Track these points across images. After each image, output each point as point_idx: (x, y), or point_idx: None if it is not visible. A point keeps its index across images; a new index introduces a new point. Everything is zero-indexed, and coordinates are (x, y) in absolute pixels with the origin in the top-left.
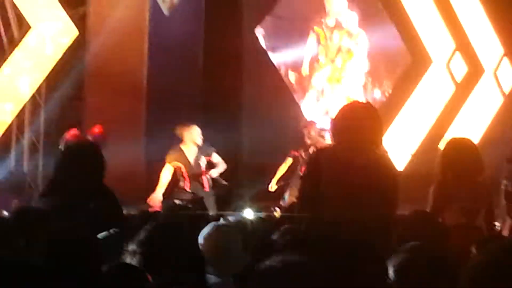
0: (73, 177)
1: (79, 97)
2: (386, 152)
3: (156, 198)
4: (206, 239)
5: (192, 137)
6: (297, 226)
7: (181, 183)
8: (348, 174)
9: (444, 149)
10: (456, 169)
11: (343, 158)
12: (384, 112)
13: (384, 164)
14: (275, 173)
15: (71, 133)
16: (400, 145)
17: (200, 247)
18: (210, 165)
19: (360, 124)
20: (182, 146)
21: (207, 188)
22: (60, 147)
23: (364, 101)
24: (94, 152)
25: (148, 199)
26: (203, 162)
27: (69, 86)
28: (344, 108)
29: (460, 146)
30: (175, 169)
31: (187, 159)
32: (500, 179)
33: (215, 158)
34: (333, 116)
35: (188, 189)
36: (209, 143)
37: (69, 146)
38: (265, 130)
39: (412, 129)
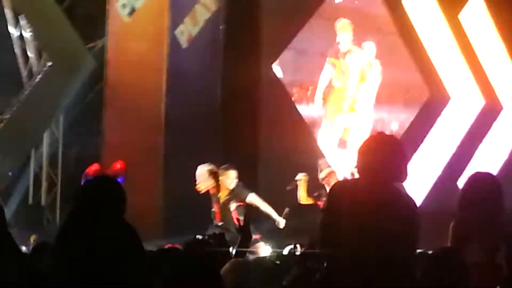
0: (95, 213)
1: (97, 131)
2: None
3: None
4: (225, 275)
5: (225, 183)
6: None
7: (212, 215)
8: (370, 211)
9: (465, 184)
10: (477, 205)
11: (366, 193)
12: None
13: (406, 202)
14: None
15: (93, 169)
16: (417, 180)
17: None
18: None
19: (385, 158)
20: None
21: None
22: (82, 182)
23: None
24: (116, 188)
25: None
26: (232, 207)
27: (87, 120)
28: (370, 139)
29: (481, 182)
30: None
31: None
32: None
33: (252, 199)
34: (357, 149)
35: (218, 221)
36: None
37: (90, 181)
38: (281, 166)
39: (429, 165)
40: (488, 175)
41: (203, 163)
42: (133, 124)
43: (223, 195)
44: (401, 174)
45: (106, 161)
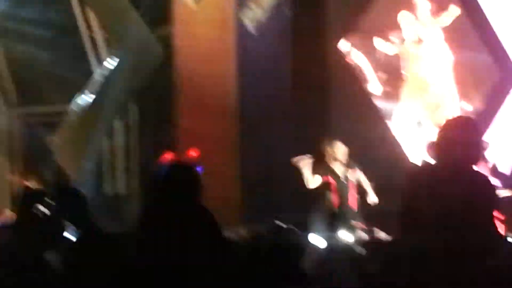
0: (176, 199)
1: (170, 118)
2: None
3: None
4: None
5: (336, 155)
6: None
7: (327, 201)
8: (450, 193)
9: None
10: None
11: (446, 176)
12: None
13: (485, 181)
14: None
15: (167, 157)
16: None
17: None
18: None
19: (465, 140)
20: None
21: (355, 207)
22: (155, 170)
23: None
24: (193, 175)
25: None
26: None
27: (159, 108)
28: (449, 122)
29: None
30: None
31: (338, 175)
32: None
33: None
34: (437, 131)
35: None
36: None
37: (170, 168)
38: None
39: (501, 146)
40: None
41: (276, 147)
42: (206, 110)
43: (338, 169)
44: (478, 157)
45: (181, 148)
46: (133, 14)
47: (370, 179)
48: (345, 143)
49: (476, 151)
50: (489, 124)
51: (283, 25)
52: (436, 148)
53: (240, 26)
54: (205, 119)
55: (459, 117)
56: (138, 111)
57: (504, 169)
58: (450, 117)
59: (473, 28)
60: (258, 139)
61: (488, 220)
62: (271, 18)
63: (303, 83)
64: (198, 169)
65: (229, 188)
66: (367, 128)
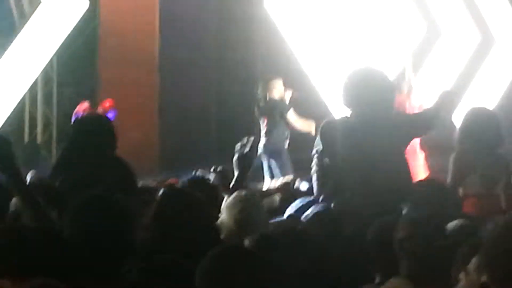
0: (86, 150)
1: (92, 70)
2: None
3: None
4: (227, 208)
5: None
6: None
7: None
8: (366, 144)
9: (464, 118)
10: (475, 138)
11: (360, 125)
12: None
13: (399, 120)
14: None
15: (83, 107)
16: None
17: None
18: None
19: (373, 88)
20: None
21: None
22: (72, 121)
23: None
24: (105, 125)
25: None
26: None
27: (82, 60)
28: (354, 73)
29: (480, 116)
30: None
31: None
32: None
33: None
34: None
35: None
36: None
37: (80, 120)
38: None
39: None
40: (485, 109)
41: (198, 101)
42: (128, 62)
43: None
44: (390, 98)
45: (102, 99)
46: None
47: None
48: None
49: (387, 94)
50: None
51: None
52: (344, 97)
53: None
54: (128, 71)
55: (363, 67)
56: (60, 62)
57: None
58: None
59: None
60: (180, 91)
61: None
62: None
63: (227, 36)
64: (110, 118)
65: (149, 137)
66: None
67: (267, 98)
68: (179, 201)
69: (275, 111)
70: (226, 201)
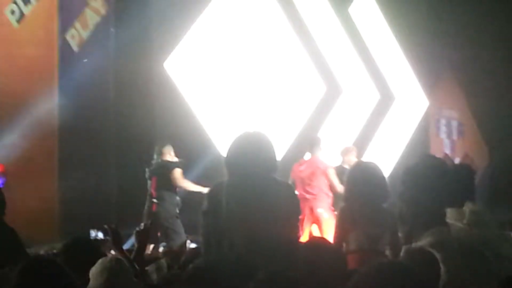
0: None
1: None
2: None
3: None
4: (94, 275)
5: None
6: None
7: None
8: (247, 204)
9: (349, 174)
10: (359, 194)
11: (239, 189)
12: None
13: (283, 190)
14: None
15: None
16: None
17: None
18: None
19: (253, 153)
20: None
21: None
22: None
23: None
24: None
25: None
26: None
27: None
28: (237, 139)
29: (365, 171)
30: None
31: None
32: None
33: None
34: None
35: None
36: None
37: None
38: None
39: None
40: (371, 164)
41: (98, 165)
42: (27, 129)
43: None
44: (272, 165)
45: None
46: None
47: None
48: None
49: (267, 161)
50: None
51: (107, 45)
52: (226, 162)
53: (64, 45)
54: (27, 138)
55: (247, 132)
56: None
57: None
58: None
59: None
60: (79, 157)
61: (288, 222)
62: (95, 37)
63: (127, 102)
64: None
65: (47, 204)
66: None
67: (159, 161)
68: (40, 271)
69: (164, 171)
70: (94, 267)
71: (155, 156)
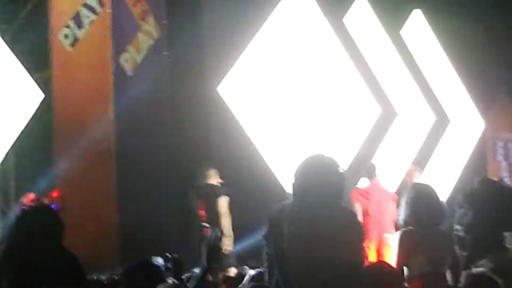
0: (30, 242)
1: (49, 162)
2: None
3: None
4: None
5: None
6: None
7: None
8: (312, 230)
9: (407, 196)
10: (419, 216)
11: (305, 215)
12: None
13: (347, 217)
14: None
15: (29, 198)
16: None
17: None
18: None
19: (321, 179)
20: None
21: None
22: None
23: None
24: (51, 216)
25: None
26: None
27: (39, 152)
28: (305, 163)
29: (422, 193)
30: None
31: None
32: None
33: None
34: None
35: None
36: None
37: (25, 210)
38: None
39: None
40: (427, 186)
41: (156, 191)
42: (84, 153)
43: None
44: (339, 193)
45: (60, 191)
46: (11, 58)
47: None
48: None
49: (335, 189)
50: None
51: (161, 68)
52: (293, 186)
53: (118, 68)
54: (84, 162)
55: (318, 156)
56: (18, 156)
57: None
58: (309, 156)
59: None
60: (137, 182)
61: (352, 254)
62: (149, 61)
63: (182, 126)
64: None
65: (107, 230)
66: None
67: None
68: None
69: (212, 195)
70: None
71: (201, 179)
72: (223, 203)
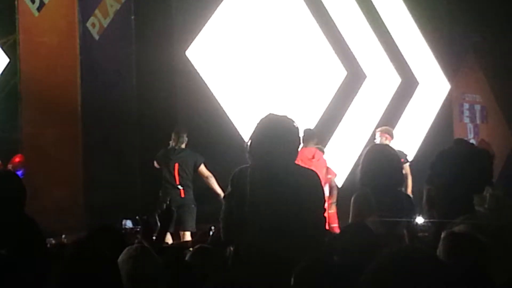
0: None
1: (15, 125)
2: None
3: None
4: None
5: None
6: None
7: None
8: (270, 189)
9: (363, 157)
10: (375, 178)
11: (264, 174)
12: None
13: (304, 173)
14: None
15: (16, 160)
16: (340, 158)
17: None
18: None
19: (275, 138)
20: None
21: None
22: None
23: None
24: (13, 181)
25: None
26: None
27: (4, 115)
28: (262, 122)
29: (378, 154)
30: None
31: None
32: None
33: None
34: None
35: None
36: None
37: None
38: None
39: (349, 143)
40: (385, 147)
41: (121, 152)
42: (50, 117)
43: None
44: (294, 150)
45: (27, 154)
46: None
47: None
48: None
49: (289, 147)
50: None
51: (128, 32)
52: (249, 147)
53: (85, 33)
54: (50, 125)
55: (271, 115)
56: None
57: None
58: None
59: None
60: (103, 144)
61: (312, 210)
62: (116, 25)
63: (148, 89)
64: (19, 173)
65: (73, 192)
66: (211, 131)
67: (179, 147)
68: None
69: (189, 160)
70: (120, 256)
71: (172, 143)
72: (205, 168)
